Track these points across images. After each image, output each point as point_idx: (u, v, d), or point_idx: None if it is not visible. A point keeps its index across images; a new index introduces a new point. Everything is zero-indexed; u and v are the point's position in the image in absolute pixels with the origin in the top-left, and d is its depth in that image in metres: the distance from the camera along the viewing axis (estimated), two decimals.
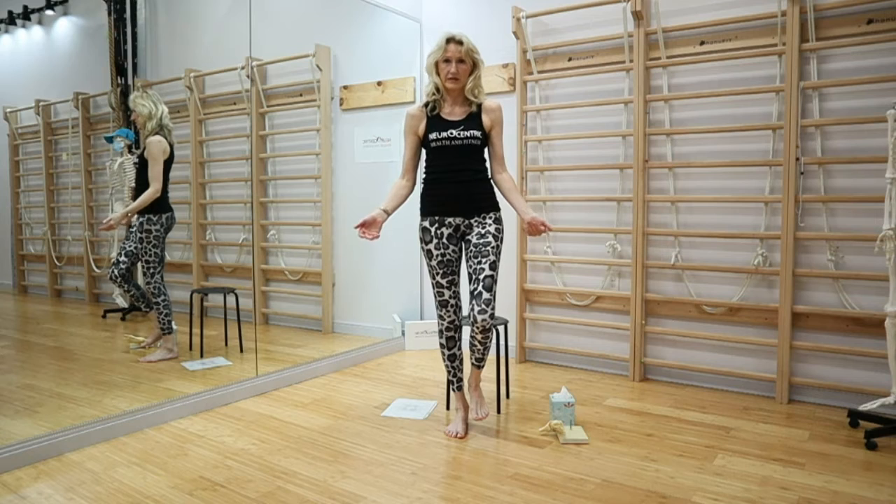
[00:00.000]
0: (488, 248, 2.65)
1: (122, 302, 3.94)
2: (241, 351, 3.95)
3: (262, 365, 3.62)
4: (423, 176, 2.78)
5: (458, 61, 2.61)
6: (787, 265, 3.18)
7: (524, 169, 3.98)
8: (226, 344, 4.02)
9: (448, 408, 3.16)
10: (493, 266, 2.63)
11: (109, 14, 3.91)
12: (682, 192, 3.54)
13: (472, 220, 2.71)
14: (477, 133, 2.67)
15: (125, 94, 3.85)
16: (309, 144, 4.57)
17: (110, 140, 3.73)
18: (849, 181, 3.09)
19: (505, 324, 3.16)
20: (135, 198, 3.65)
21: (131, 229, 3.67)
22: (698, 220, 3.50)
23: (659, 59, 3.51)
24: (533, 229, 2.63)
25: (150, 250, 3.62)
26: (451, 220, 2.70)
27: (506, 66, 4.07)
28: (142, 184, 3.62)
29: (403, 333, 4.47)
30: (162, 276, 3.68)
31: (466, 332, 3.20)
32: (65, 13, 3.78)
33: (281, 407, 3.19)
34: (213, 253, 4.45)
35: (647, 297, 3.62)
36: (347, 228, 4.50)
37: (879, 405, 2.69)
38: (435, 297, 2.78)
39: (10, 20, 3.59)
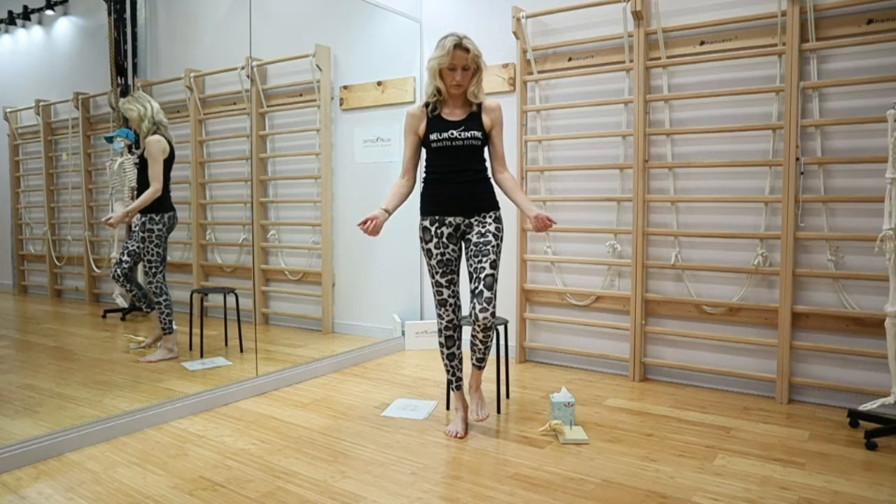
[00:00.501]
0: (489, 247, 2.65)
1: (122, 302, 3.94)
2: (241, 351, 3.95)
3: (262, 365, 3.62)
4: (424, 175, 2.77)
5: (463, 69, 2.61)
6: (787, 265, 3.18)
7: (524, 169, 3.98)
8: (226, 344, 4.02)
9: (448, 408, 3.16)
10: (494, 265, 2.64)
11: (109, 14, 3.91)
12: (682, 192, 3.54)
13: (472, 220, 2.71)
14: (478, 133, 2.67)
15: (125, 94, 3.85)
16: (309, 144, 4.57)
17: (110, 140, 3.73)
18: (849, 181, 3.09)
19: (505, 324, 3.15)
20: (135, 198, 3.65)
21: (133, 229, 3.67)
22: (698, 220, 3.50)
23: (659, 59, 3.52)
24: (540, 224, 2.60)
25: (152, 250, 3.62)
26: (451, 219, 2.70)
27: (506, 66, 4.07)
28: (142, 184, 3.62)
29: (403, 333, 4.47)
30: (164, 276, 3.68)
31: (466, 331, 3.20)
32: (65, 13, 3.78)
33: (281, 407, 3.20)
34: (213, 253, 4.45)
35: (647, 297, 3.62)
36: (347, 228, 4.51)
37: (879, 405, 2.69)
38: (434, 296, 2.78)
39: (10, 20, 3.58)
